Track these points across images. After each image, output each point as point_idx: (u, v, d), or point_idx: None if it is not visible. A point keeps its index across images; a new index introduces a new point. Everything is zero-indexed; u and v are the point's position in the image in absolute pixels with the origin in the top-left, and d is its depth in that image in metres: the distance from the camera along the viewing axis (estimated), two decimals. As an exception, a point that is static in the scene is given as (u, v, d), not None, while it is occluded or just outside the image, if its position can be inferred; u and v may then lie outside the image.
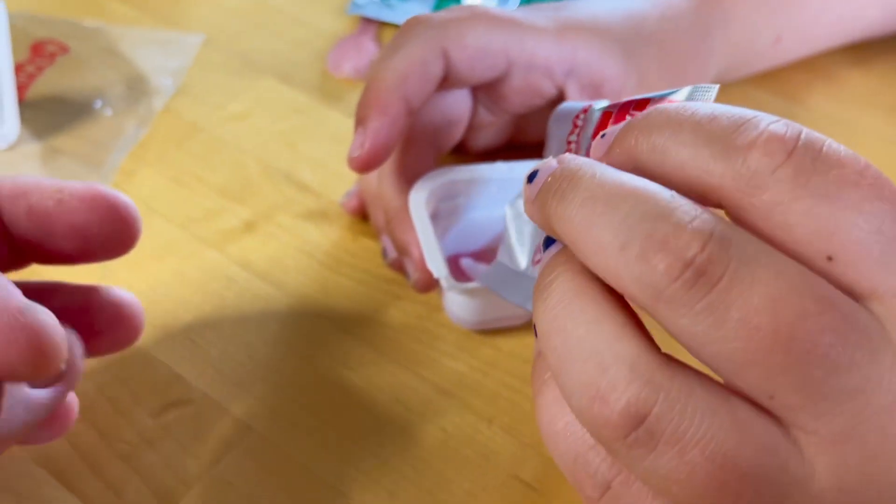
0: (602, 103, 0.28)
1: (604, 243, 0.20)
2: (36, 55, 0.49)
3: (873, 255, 0.19)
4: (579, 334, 0.20)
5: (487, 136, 0.41)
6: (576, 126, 0.29)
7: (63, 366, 0.24)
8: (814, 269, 0.19)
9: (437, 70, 0.34)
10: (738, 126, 0.20)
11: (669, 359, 0.20)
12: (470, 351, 0.36)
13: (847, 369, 0.18)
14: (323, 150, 0.45)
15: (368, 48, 0.50)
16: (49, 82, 0.47)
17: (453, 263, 0.38)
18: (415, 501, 0.31)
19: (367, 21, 0.53)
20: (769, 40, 0.47)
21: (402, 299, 0.38)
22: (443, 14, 0.35)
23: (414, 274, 0.35)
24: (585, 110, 0.28)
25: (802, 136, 0.19)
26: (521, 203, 0.31)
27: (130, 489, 0.31)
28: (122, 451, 0.32)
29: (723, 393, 0.19)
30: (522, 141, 0.43)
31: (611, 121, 0.27)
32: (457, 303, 0.35)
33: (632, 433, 0.19)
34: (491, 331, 0.37)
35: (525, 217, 0.30)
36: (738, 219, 0.20)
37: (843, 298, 0.19)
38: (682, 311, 0.19)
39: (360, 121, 0.34)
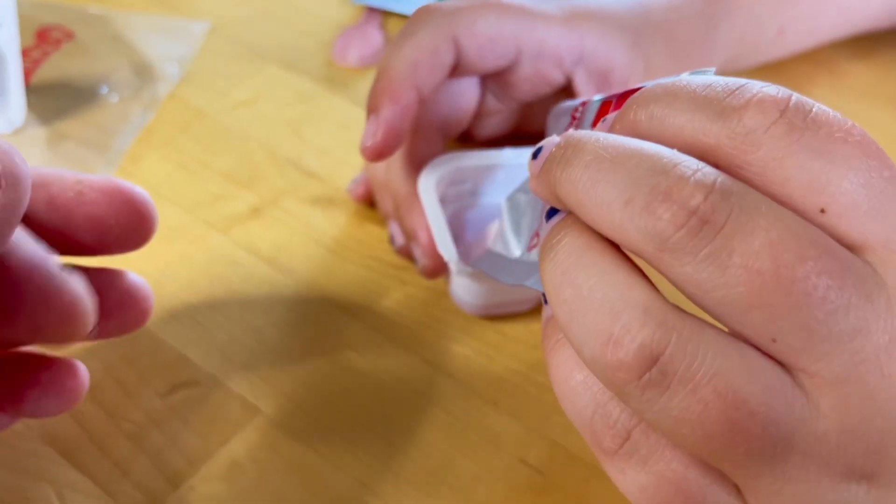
0: (600, 96, 0.28)
1: (609, 199, 0.20)
2: (41, 41, 0.49)
3: (863, 208, 0.20)
4: (591, 284, 0.21)
5: (493, 124, 0.42)
6: (574, 118, 0.29)
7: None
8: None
9: (448, 58, 0.34)
10: (732, 90, 0.21)
11: (677, 306, 0.20)
12: (475, 335, 0.36)
13: (845, 311, 0.19)
14: (328, 137, 0.45)
15: (373, 37, 0.50)
16: (54, 68, 0.47)
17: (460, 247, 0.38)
18: (421, 484, 0.31)
19: (372, 10, 0.53)
20: (773, 31, 0.48)
21: (408, 285, 0.38)
22: (453, 3, 0.35)
23: (422, 260, 0.35)
24: (584, 104, 0.28)
25: (793, 97, 0.20)
26: (519, 196, 0.31)
27: (138, 469, 0.31)
28: (130, 430, 0.32)
29: (730, 336, 0.20)
30: (527, 130, 0.43)
31: (611, 108, 0.27)
32: (464, 287, 0.35)
33: (645, 374, 0.19)
34: (497, 316, 0.37)
35: (523, 209, 0.30)
36: (735, 177, 0.20)
37: (837, 245, 0.20)
38: (687, 259, 0.19)
39: (373, 109, 0.34)
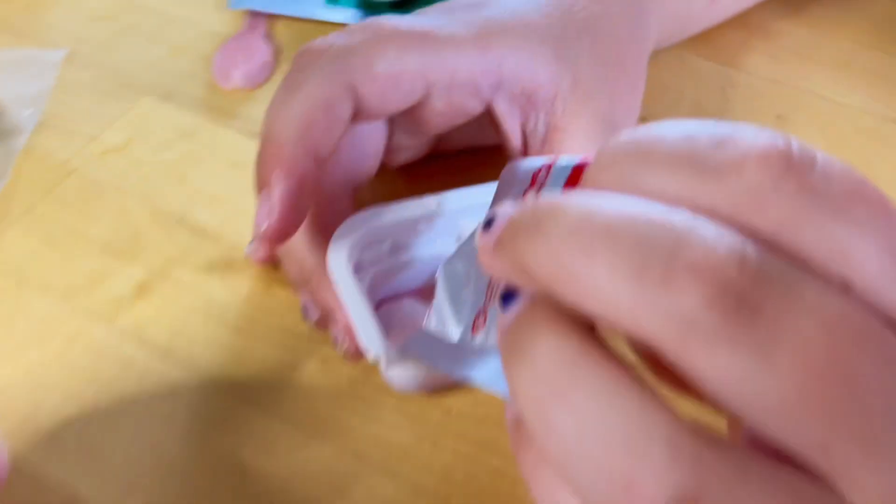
0: (572, 159, 0.23)
1: (610, 273, 0.16)
2: None
3: (889, 278, 0.16)
4: (592, 409, 0.16)
5: (408, 154, 0.36)
6: (535, 181, 0.24)
7: None
8: None
9: (345, 111, 0.29)
10: (721, 140, 0.17)
11: (703, 429, 0.16)
12: (415, 417, 0.31)
13: None
14: (219, 180, 0.39)
15: (259, 49, 0.44)
16: None
17: (388, 307, 0.33)
18: None
19: (255, 15, 0.46)
20: (704, 2, 0.43)
21: (329, 361, 0.33)
22: (343, 39, 0.30)
23: (343, 342, 0.30)
24: (549, 168, 0.23)
25: (793, 143, 0.17)
26: (456, 265, 0.26)
27: None
28: None
29: (773, 463, 0.16)
30: (446, 150, 0.38)
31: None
32: (398, 374, 0.30)
33: None
34: (437, 390, 0.32)
35: (462, 279, 0.26)
36: None
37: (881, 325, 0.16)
38: (722, 345, 0.15)
39: (263, 184, 0.28)
